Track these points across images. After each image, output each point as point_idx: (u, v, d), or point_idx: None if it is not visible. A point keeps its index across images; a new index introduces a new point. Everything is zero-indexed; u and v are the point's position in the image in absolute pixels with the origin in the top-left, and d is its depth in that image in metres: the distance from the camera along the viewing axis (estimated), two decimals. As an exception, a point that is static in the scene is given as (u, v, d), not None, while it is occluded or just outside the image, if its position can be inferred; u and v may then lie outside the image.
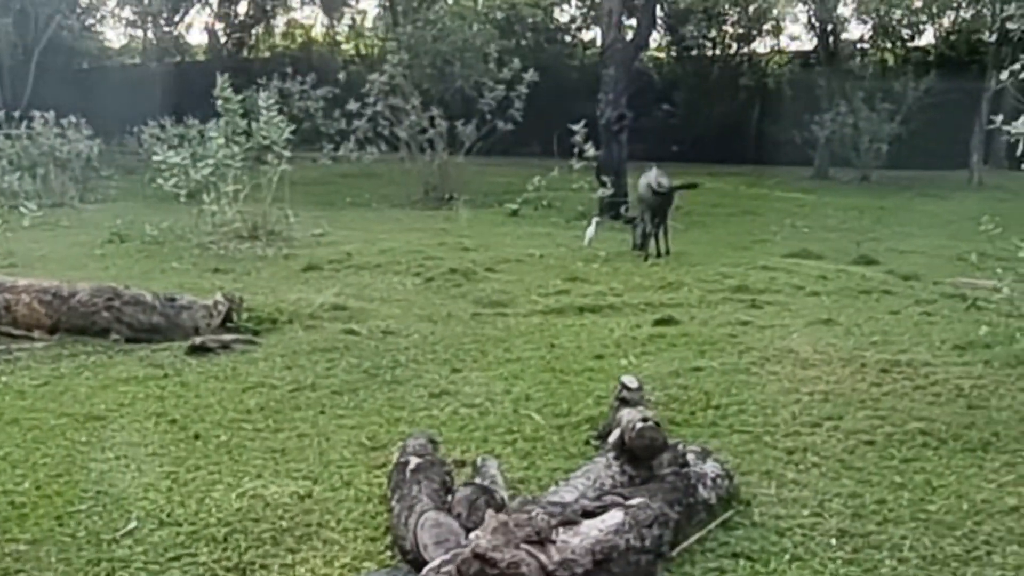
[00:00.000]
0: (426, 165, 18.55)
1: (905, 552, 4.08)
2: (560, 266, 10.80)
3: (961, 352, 6.79)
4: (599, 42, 30.95)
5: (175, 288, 9.16)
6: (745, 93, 27.11)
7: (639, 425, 4.31)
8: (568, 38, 30.04)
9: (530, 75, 18.18)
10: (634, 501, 3.76)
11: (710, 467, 4.48)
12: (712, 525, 4.26)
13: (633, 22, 30.00)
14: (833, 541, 4.17)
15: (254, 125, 12.81)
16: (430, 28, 18.83)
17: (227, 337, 7.44)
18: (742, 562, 4.01)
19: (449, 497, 4.06)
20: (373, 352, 7.14)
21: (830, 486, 4.70)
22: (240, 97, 12.90)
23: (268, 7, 34.06)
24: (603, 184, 15.00)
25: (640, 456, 4.32)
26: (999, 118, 7.32)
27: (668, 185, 11.62)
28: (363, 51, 31.68)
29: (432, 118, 17.76)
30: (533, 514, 3.39)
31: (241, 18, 33.89)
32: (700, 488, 4.29)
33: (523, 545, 3.19)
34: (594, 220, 12.31)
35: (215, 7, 33.56)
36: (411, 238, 12.92)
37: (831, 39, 24.40)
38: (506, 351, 7.19)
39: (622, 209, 13.98)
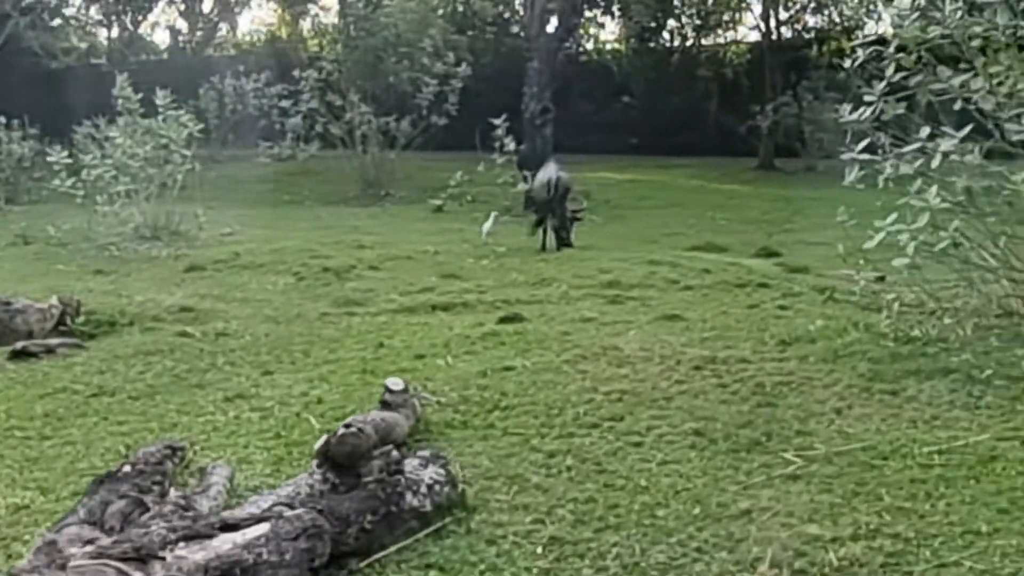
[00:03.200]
0: (362, 161, 18.38)
1: (608, 561, 3.94)
2: (447, 263, 10.64)
3: (785, 347, 6.62)
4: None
5: (46, 290, 9.02)
6: (703, 84, 26.87)
7: (341, 431, 4.17)
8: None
9: (463, 69, 18.00)
10: (290, 512, 3.60)
11: (429, 473, 4.33)
12: (420, 534, 4.11)
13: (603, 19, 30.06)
14: (540, 549, 4.02)
15: (154, 124, 12.64)
16: (362, 23, 18.62)
17: (53, 341, 7.30)
18: (432, 573, 3.87)
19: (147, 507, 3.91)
20: (195, 355, 7.00)
21: (571, 490, 4.55)
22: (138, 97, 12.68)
23: (233, 4, 33.88)
24: (525, 179, 14.84)
25: (343, 463, 4.16)
26: (846, 108, 7.19)
27: (566, 180, 11.47)
28: (326, 48, 31.45)
29: (362, 114, 17.58)
30: (150, 528, 3.24)
31: (206, 16, 33.69)
32: (409, 496, 4.14)
33: (114, 563, 3.04)
34: (492, 215, 12.14)
35: (180, 4, 33.35)
36: (315, 236, 12.78)
37: (777, 29, 24.23)
38: (331, 352, 7.05)
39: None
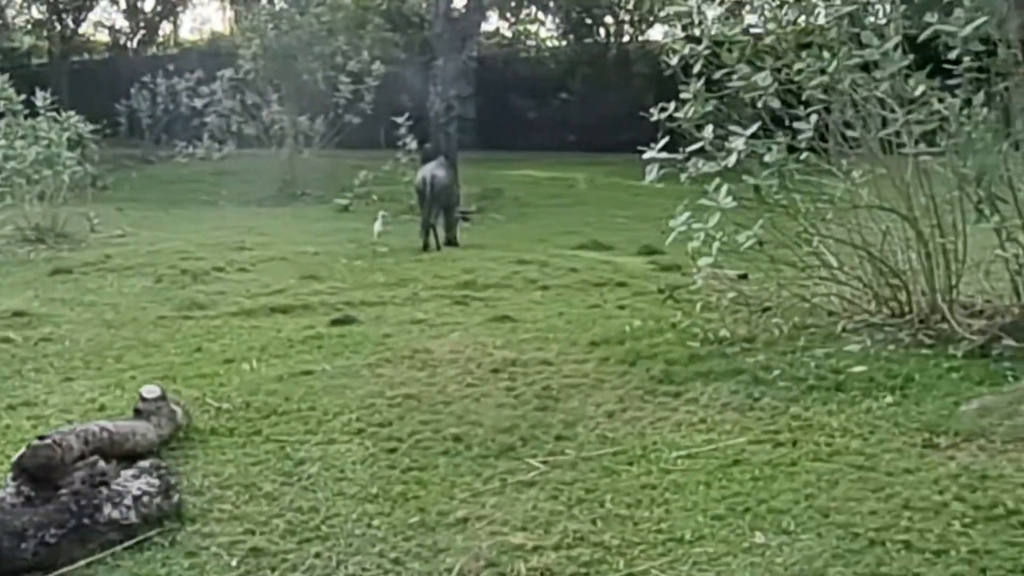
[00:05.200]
0: (279, 161, 18.26)
1: (298, 572, 3.89)
2: (318, 264, 10.53)
3: (593, 349, 6.55)
4: (504, 32, 30.85)
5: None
6: (640, 81, 26.71)
7: (34, 443, 4.07)
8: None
9: (377, 68, 17.89)
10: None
11: (139, 484, 4.23)
12: (118, 547, 4.02)
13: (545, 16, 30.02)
14: (235, 561, 3.95)
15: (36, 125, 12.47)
16: (275, 21, 18.48)
17: None
18: (115, 588, 3.78)
19: None
20: (6, 362, 6.89)
21: (299, 499, 4.48)
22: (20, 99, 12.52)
23: (176, 3, 33.60)
24: (426, 178, 14.71)
25: (38, 476, 4.06)
26: (658, 107, 7.14)
27: (442, 179, 11.40)
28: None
29: (273, 113, 17.45)
30: None
31: (148, 14, 33.38)
32: (109, 508, 4.05)
33: None
34: (380, 215, 12.02)
35: (121, 3, 33.03)
36: (204, 237, 12.59)
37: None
38: (145, 357, 6.94)
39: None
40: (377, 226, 11.89)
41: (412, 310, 8.11)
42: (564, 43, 29.00)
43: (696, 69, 6.68)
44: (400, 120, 14.58)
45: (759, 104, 6.44)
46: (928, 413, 5.13)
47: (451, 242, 11.86)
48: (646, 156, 6.51)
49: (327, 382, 6.08)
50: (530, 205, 15.74)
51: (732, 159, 6.16)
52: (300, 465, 4.86)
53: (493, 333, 7.17)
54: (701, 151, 6.45)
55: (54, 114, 12.62)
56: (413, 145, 14.39)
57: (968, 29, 5.72)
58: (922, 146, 6.22)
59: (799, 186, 6.60)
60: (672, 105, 7.10)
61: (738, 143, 6.10)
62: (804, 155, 6.60)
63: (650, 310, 7.77)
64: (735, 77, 6.74)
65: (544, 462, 4.79)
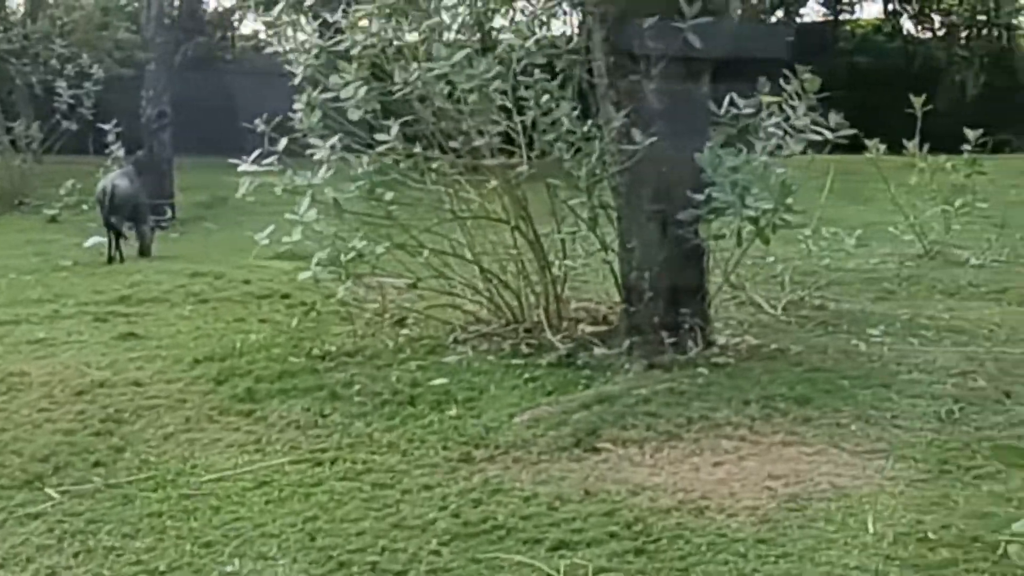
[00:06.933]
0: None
1: None
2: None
3: (193, 367, 6.38)
4: (264, 35, 30.19)
5: None
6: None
7: None
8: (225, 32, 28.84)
9: (96, 71, 17.21)
10: None
11: None
12: None
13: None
14: None
15: None
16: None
17: None
18: None
19: None
20: None
21: None
22: None
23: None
24: (140, 185, 14.20)
25: None
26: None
27: (121, 189, 11.03)
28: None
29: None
30: None
31: None
32: None
33: None
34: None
35: None
36: None
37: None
38: None
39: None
40: (92, 240, 11.47)
41: (42, 329, 7.73)
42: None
43: (297, 80, 6.63)
44: (108, 127, 13.96)
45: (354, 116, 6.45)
46: (480, 426, 5.19)
47: (143, 253, 11.48)
48: (240, 169, 6.40)
49: None
50: (254, 213, 15.32)
51: (322, 171, 6.14)
52: None
53: (108, 352, 6.90)
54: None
55: None
56: (121, 152, 13.80)
57: (531, 41, 5.90)
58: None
59: (404, 195, 6.66)
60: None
61: (320, 153, 6.09)
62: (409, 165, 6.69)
63: (289, 324, 7.65)
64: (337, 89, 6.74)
65: (65, 492, 4.61)
